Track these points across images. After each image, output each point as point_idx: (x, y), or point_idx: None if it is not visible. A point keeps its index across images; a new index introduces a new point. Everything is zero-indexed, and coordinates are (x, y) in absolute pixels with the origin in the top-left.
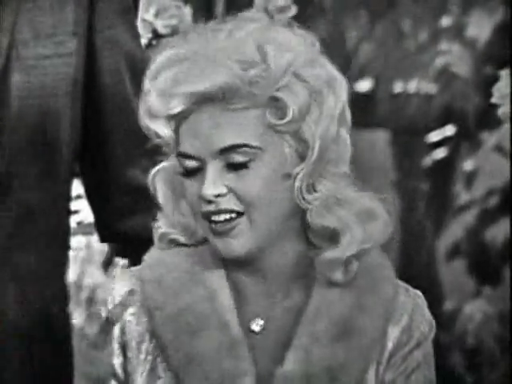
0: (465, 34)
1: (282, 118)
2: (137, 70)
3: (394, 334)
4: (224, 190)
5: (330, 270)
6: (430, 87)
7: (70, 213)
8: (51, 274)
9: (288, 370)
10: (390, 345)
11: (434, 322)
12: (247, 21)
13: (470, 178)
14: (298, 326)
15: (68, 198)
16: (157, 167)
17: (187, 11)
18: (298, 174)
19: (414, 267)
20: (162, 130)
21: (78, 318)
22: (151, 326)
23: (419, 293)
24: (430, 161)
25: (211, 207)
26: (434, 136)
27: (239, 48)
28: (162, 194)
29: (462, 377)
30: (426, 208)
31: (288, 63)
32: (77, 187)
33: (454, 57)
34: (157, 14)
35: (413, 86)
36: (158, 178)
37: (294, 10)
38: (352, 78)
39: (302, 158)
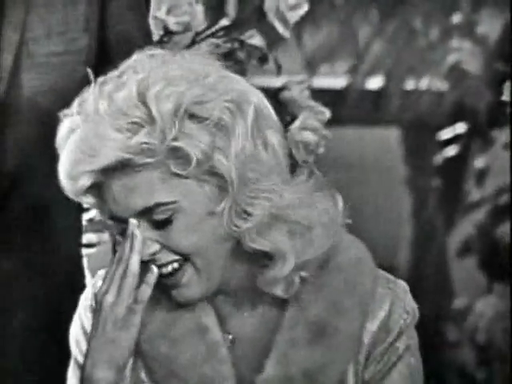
0: (476, 31)
1: (187, 166)
2: None
3: (371, 330)
4: (157, 247)
5: (270, 288)
6: (441, 84)
7: (81, 210)
8: (65, 271)
9: (268, 376)
10: (367, 341)
11: (416, 310)
12: (129, 71)
13: (481, 176)
14: (275, 333)
15: None
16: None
17: (199, 9)
18: (223, 208)
19: (426, 264)
20: (85, 201)
21: (110, 295)
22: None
23: (401, 282)
24: (441, 158)
25: (152, 264)
26: (446, 133)
27: (121, 111)
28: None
29: (472, 373)
30: (437, 205)
31: (174, 109)
32: None
33: (465, 54)
34: (169, 11)
35: (424, 83)
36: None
37: (305, 8)
38: (363, 76)
39: (224, 190)
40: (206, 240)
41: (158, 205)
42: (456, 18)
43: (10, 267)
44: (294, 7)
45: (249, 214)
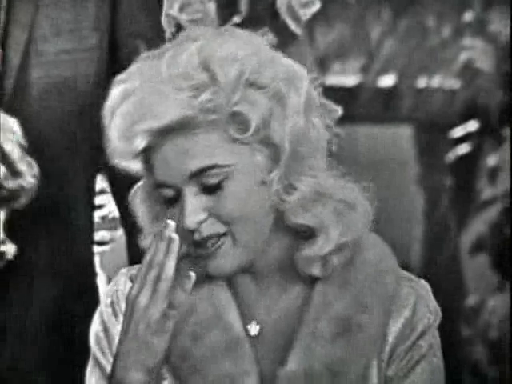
0: (488, 29)
1: (245, 132)
2: None
3: (395, 328)
4: (204, 216)
5: (307, 267)
6: (454, 82)
7: (94, 207)
8: (76, 269)
9: (291, 370)
10: (391, 339)
11: (439, 311)
12: (188, 40)
13: (494, 174)
14: (298, 325)
15: (92, 193)
16: (136, 186)
17: (211, 6)
18: (273, 179)
19: (438, 262)
20: (132, 167)
21: (143, 297)
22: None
23: (423, 282)
24: (454, 156)
25: (196, 236)
26: (458, 131)
27: (184, 74)
28: (140, 213)
29: (485, 370)
30: (449, 203)
31: (238, 74)
32: (101, 182)
33: (477, 52)
34: (181, 9)
35: (436, 81)
36: (137, 198)
37: (317, 5)
38: (375, 74)
39: (275, 161)
40: (253, 210)
41: (214, 167)
42: (468, 17)
43: (20, 267)
44: (305, 4)
45: (295, 189)
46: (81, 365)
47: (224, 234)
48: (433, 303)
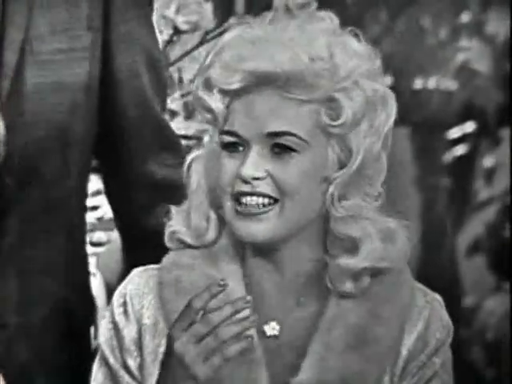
0: (484, 30)
1: (335, 120)
2: (153, 64)
3: (408, 341)
4: (263, 174)
5: (339, 280)
6: (450, 83)
7: (85, 208)
8: (69, 270)
9: (303, 380)
10: (404, 352)
11: (451, 326)
12: (318, 19)
13: (490, 175)
14: (313, 334)
15: (84, 194)
16: (192, 155)
17: (208, 8)
18: (335, 179)
19: (435, 263)
20: (215, 103)
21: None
22: (168, 330)
23: (437, 296)
24: (450, 157)
25: (247, 188)
26: (454, 132)
27: (309, 41)
28: (195, 182)
29: (482, 372)
30: (446, 204)
31: (352, 68)
32: (97, 183)
33: (473, 53)
34: (178, 11)
35: (433, 82)
36: (194, 166)
37: (314, 7)
38: None
39: (341, 165)
40: (308, 194)
41: (294, 135)
42: (465, 18)
43: (17, 266)
44: (302, 5)
45: (346, 200)
46: (78, 362)
47: (272, 203)
48: (446, 318)
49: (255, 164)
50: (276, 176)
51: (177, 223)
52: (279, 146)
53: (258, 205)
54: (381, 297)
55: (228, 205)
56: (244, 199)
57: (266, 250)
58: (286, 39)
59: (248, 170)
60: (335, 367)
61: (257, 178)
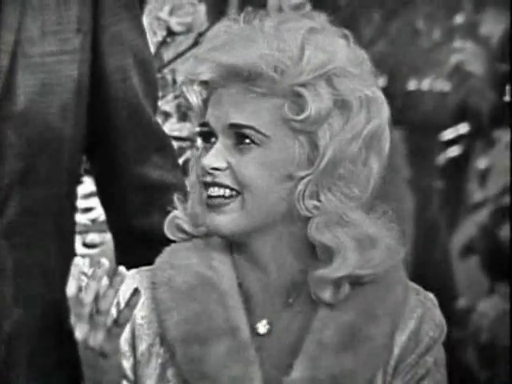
0: (478, 31)
1: (297, 114)
2: (144, 65)
3: (400, 339)
4: (223, 165)
5: (319, 289)
6: (444, 85)
7: (75, 210)
8: (60, 272)
9: (296, 379)
10: (396, 351)
11: (444, 325)
12: (298, 18)
13: (484, 176)
14: (305, 333)
15: (73, 196)
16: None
17: (201, 9)
18: (302, 177)
19: (428, 265)
20: (193, 98)
21: (79, 332)
22: (162, 331)
23: (430, 295)
24: (444, 158)
25: (208, 178)
26: (448, 134)
27: (279, 36)
28: (194, 174)
29: (475, 373)
30: (439, 206)
31: (321, 64)
32: (90, 185)
33: (467, 54)
34: (171, 12)
35: (427, 83)
36: (195, 158)
37: (308, 8)
38: None
39: (310, 163)
40: (270, 189)
41: (251, 128)
42: (459, 19)
43: (9, 266)
44: (296, 7)
45: (319, 201)
46: (70, 364)
47: (235, 195)
48: (439, 317)
49: (216, 155)
50: (234, 167)
51: (178, 211)
52: (242, 138)
53: (219, 196)
54: (374, 295)
55: (202, 197)
56: (209, 190)
57: (240, 246)
58: (257, 35)
59: (207, 161)
60: (328, 366)
61: (217, 169)
